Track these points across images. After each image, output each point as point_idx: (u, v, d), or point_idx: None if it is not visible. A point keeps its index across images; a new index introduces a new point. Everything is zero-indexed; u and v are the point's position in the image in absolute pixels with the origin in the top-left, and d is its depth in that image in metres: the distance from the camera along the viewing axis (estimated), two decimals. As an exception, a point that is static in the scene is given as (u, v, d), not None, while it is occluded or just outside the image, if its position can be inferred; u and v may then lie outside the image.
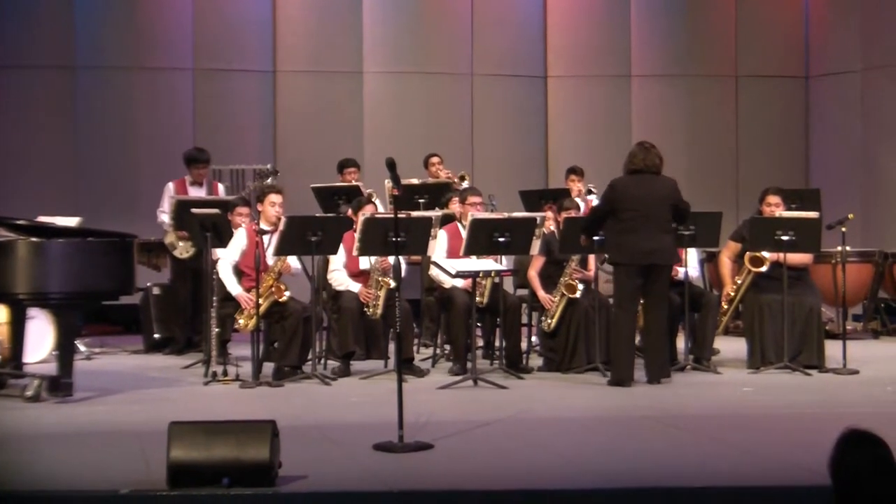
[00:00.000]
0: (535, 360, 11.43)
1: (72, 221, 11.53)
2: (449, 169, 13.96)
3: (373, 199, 12.42)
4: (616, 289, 10.31)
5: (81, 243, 9.46)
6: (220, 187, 13.07)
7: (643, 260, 10.08)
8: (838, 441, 4.19)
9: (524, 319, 11.51)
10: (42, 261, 9.14)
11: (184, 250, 12.35)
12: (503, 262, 10.83)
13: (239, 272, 10.63)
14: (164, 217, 12.50)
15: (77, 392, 9.36)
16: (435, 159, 13.98)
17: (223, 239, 10.78)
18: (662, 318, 10.30)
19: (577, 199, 12.36)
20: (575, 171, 13.83)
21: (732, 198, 16.14)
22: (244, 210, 11.32)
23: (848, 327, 12.36)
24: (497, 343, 11.24)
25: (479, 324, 11.22)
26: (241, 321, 10.48)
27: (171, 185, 12.68)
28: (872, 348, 12.96)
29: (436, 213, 11.27)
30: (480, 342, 11.60)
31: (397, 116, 15.98)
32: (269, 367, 10.51)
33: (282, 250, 10.34)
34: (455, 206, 11.64)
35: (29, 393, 9.24)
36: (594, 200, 13.15)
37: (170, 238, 12.43)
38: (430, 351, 12.00)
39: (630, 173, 10.28)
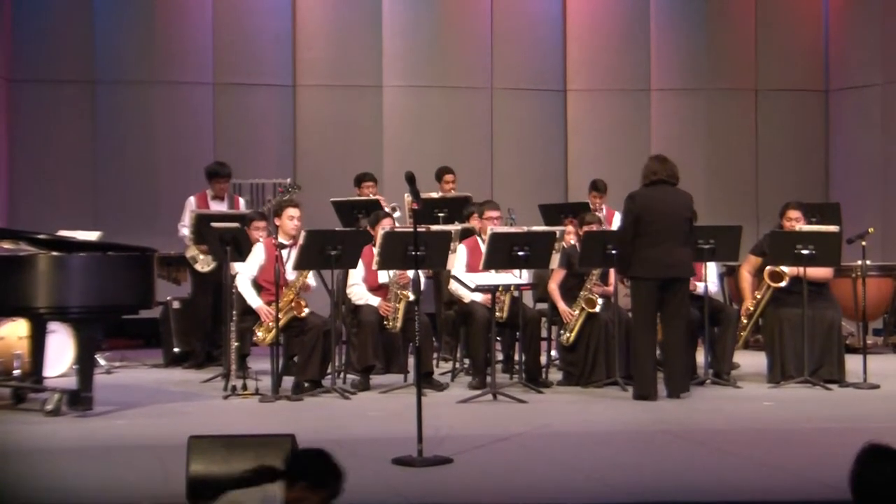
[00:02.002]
0: (555, 375, 11.43)
1: (92, 235, 11.57)
2: (467, 184, 13.90)
3: (396, 212, 12.42)
4: (635, 303, 10.28)
5: (102, 257, 9.47)
6: (241, 201, 13.10)
7: (664, 273, 10.06)
8: (858, 456, 4.18)
9: (543, 333, 11.51)
10: (62, 275, 9.15)
11: (205, 264, 12.37)
12: (522, 276, 10.82)
13: (258, 286, 10.63)
14: (185, 231, 12.54)
15: (97, 406, 9.36)
16: (449, 177, 13.88)
17: (242, 253, 10.78)
18: (682, 333, 10.27)
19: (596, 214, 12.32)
20: (597, 187, 13.78)
21: (752, 212, 16.12)
22: (261, 224, 11.34)
23: (868, 342, 12.32)
24: (516, 357, 11.22)
25: (498, 338, 11.21)
26: (261, 335, 10.48)
27: (192, 199, 12.71)
28: (893, 363, 12.91)
29: (455, 227, 11.27)
30: (500, 356, 11.58)
31: (416, 130, 16.00)
32: (288, 381, 10.51)
33: (301, 264, 10.34)
34: (475, 221, 11.63)
35: (49, 407, 9.26)
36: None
37: (191, 252, 12.46)
38: (449, 365, 11.99)
39: (649, 185, 10.27)
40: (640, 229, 10.11)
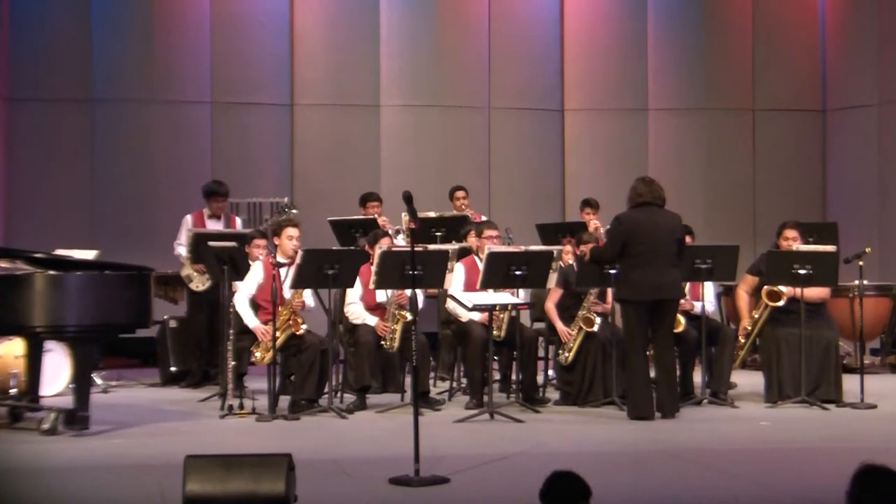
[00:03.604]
0: (552, 394, 11.42)
1: (89, 254, 11.55)
2: (473, 209, 13.92)
3: (398, 236, 12.42)
4: (626, 325, 10.26)
5: (98, 276, 9.47)
6: (238, 220, 13.11)
7: (652, 295, 10.05)
8: (855, 476, 4.18)
9: (541, 353, 11.50)
10: (59, 294, 9.15)
11: (199, 283, 12.37)
12: (520, 296, 10.82)
13: (255, 305, 10.63)
14: (182, 250, 12.53)
15: (93, 425, 9.35)
16: (461, 193, 13.93)
17: (240, 272, 10.78)
18: (671, 355, 10.29)
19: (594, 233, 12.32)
20: (590, 203, 13.85)
21: (749, 231, 16.12)
22: (261, 242, 11.32)
23: (865, 361, 12.33)
24: (514, 376, 11.21)
25: (495, 357, 11.20)
26: (258, 354, 10.47)
27: (188, 218, 12.71)
28: (890, 382, 12.89)
29: (452, 247, 11.27)
30: (497, 375, 11.57)
31: (414, 149, 16.00)
32: (285, 401, 10.50)
33: (298, 283, 10.34)
34: (473, 240, 11.64)
35: (45, 426, 9.24)
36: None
37: (186, 270, 12.46)
38: (446, 384, 11.98)
39: (635, 207, 10.27)
40: (627, 251, 10.11)
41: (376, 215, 13.13)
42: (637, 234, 10.09)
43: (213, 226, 12.60)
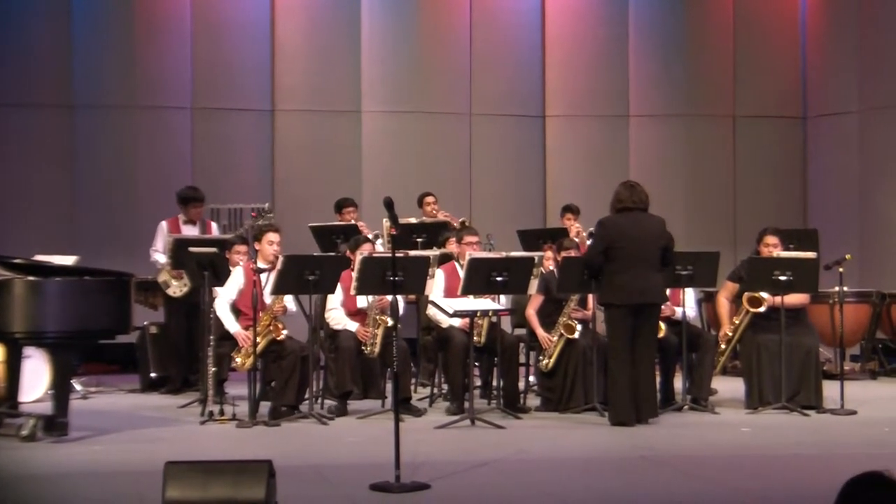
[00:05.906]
0: (533, 400, 11.42)
1: (69, 260, 11.51)
2: (446, 209, 13.94)
3: (377, 240, 12.41)
4: (609, 330, 10.26)
5: (78, 282, 9.44)
6: (214, 226, 13.06)
7: (636, 299, 10.05)
8: (848, 482, 4.14)
9: (522, 359, 11.49)
10: (39, 300, 9.11)
11: (176, 289, 12.34)
12: (501, 302, 10.81)
13: (236, 311, 10.60)
14: (158, 256, 12.52)
15: (73, 432, 9.31)
16: (430, 199, 13.97)
17: (220, 277, 10.76)
18: (652, 359, 10.29)
19: (575, 239, 12.33)
20: (570, 209, 13.88)
21: (730, 237, 16.15)
22: (242, 248, 11.30)
23: (846, 367, 12.35)
24: (495, 383, 11.21)
25: (476, 363, 11.19)
26: (239, 360, 10.45)
27: (164, 224, 12.68)
28: (870, 389, 12.94)
29: (433, 253, 11.26)
30: (478, 381, 11.57)
31: (395, 156, 15.99)
32: (265, 407, 10.48)
33: (279, 289, 10.32)
34: (452, 246, 11.63)
35: (24, 432, 9.20)
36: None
37: (163, 276, 12.43)
38: (427, 390, 11.97)
39: (618, 212, 10.28)
40: (611, 255, 10.12)
41: (353, 220, 13.12)
42: (620, 239, 10.10)
43: (189, 231, 12.56)
